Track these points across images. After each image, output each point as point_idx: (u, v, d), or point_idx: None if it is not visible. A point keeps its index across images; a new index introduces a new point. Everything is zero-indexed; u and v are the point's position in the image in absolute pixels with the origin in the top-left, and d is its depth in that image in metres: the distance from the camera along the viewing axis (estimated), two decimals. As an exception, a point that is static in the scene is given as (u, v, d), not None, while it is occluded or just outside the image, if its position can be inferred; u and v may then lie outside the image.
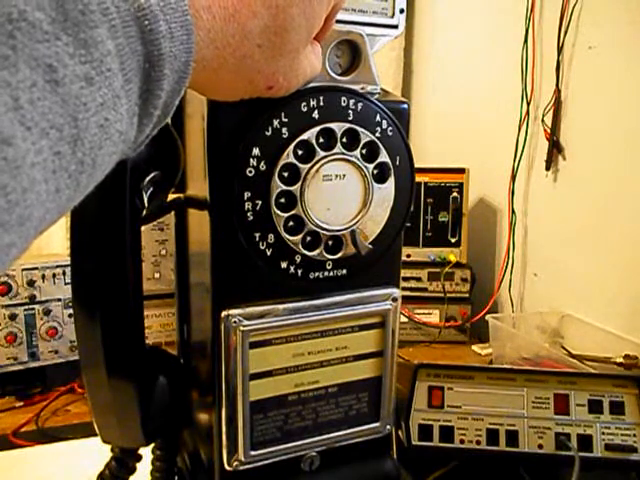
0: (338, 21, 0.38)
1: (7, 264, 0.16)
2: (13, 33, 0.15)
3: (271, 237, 0.36)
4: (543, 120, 0.96)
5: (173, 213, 0.44)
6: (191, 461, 0.45)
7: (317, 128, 0.35)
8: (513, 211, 1.03)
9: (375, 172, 0.37)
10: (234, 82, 0.29)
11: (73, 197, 0.19)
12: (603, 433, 0.53)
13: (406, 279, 1.02)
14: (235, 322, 0.36)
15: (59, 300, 0.79)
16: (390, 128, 0.37)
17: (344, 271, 0.39)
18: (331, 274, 0.38)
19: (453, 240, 1.05)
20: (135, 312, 0.36)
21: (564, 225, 0.94)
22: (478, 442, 0.53)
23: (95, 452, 0.43)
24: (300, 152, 0.35)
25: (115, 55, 0.18)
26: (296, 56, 0.30)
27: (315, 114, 0.35)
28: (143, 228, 0.36)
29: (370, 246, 0.38)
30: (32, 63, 0.16)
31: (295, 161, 0.35)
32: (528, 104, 0.99)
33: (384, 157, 0.37)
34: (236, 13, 0.25)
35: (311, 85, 0.35)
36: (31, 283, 0.77)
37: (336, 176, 0.36)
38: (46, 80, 0.16)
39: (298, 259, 0.37)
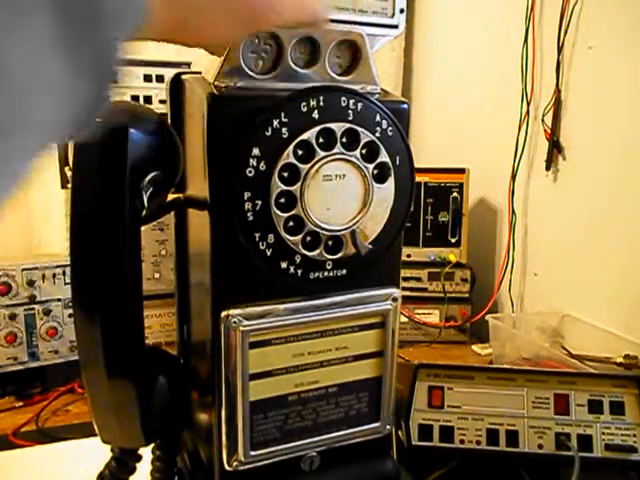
0: (338, 21, 0.38)
1: None
2: None
3: (271, 237, 0.36)
4: (543, 120, 0.95)
5: (173, 213, 0.44)
6: (191, 461, 0.45)
7: (317, 128, 0.35)
8: (513, 211, 1.03)
9: (375, 172, 0.37)
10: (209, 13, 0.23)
11: None
12: (603, 433, 0.53)
13: (406, 279, 1.02)
14: (235, 322, 0.36)
15: (59, 300, 0.79)
16: (390, 128, 0.37)
17: (344, 271, 0.39)
18: (331, 274, 0.38)
19: (453, 240, 1.04)
20: (135, 312, 0.36)
21: (564, 225, 0.94)
22: (478, 442, 0.53)
23: (95, 452, 0.43)
24: (300, 152, 0.35)
25: None
26: None
27: (315, 114, 0.35)
28: (143, 228, 0.36)
29: (370, 246, 0.38)
30: None
31: (295, 161, 0.35)
32: (528, 104, 0.99)
33: (384, 157, 0.37)
34: None
35: (311, 85, 0.35)
36: (31, 283, 0.77)
37: (336, 176, 0.36)
38: None
39: (298, 259, 0.37)
